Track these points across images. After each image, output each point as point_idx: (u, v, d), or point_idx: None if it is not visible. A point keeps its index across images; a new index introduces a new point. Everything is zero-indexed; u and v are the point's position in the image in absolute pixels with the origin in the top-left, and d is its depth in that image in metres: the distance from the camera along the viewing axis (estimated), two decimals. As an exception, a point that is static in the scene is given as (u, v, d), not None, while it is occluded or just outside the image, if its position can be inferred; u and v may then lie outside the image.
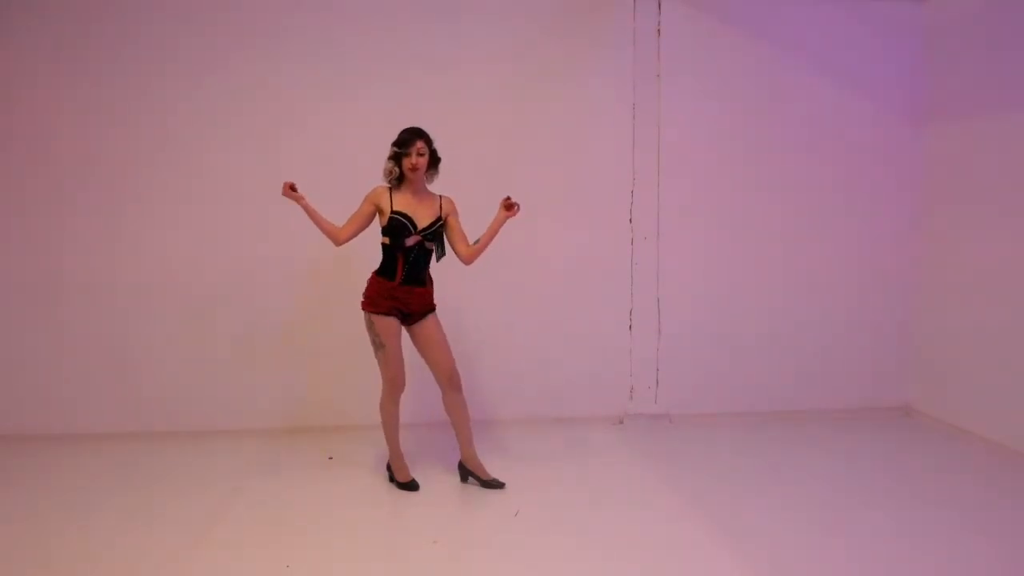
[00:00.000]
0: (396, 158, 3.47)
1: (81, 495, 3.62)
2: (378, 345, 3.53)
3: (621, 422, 4.79)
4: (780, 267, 4.87)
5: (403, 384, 3.61)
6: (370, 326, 3.53)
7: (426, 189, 3.57)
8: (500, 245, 4.57)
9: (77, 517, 3.37)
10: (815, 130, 4.82)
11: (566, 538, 3.15)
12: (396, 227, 3.44)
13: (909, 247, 4.94)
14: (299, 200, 3.46)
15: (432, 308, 3.63)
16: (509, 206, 3.51)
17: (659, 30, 4.67)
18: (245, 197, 4.52)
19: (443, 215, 3.54)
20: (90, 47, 4.39)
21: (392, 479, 3.73)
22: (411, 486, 3.66)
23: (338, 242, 3.55)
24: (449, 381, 3.61)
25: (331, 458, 4.13)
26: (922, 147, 4.87)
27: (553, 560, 2.97)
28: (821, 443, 4.38)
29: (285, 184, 3.46)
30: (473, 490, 3.68)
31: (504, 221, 3.54)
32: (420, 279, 3.54)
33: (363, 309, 3.56)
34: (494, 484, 3.68)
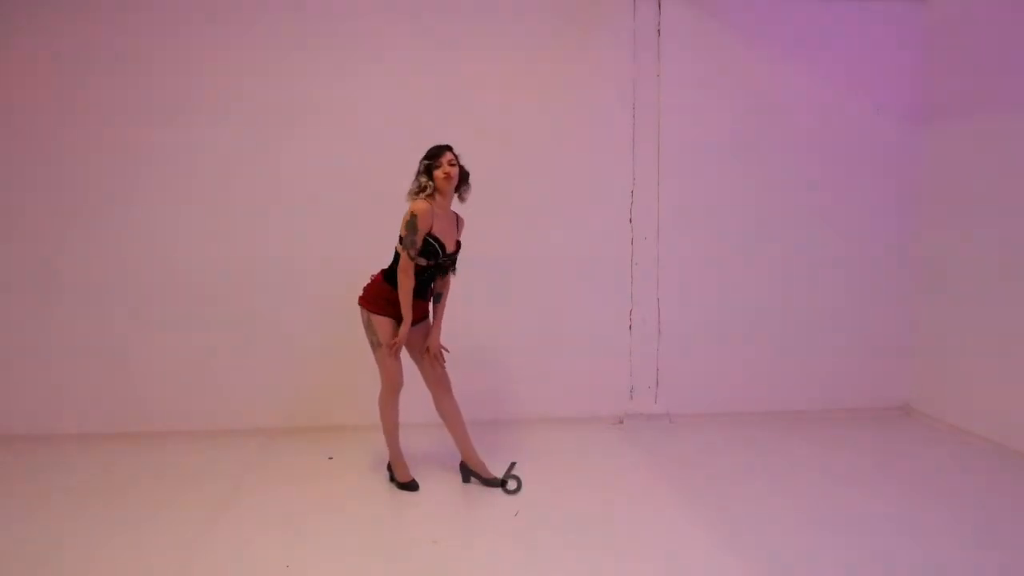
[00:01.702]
0: (428, 171, 3.43)
1: (81, 495, 3.62)
2: (376, 344, 3.54)
3: (621, 422, 4.79)
4: (780, 267, 4.87)
5: (402, 383, 3.61)
6: (367, 324, 3.55)
7: (450, 207, 3.56)
8: (500, 245, 4.60)
9: (76, 517, 3.37)
10: (815, 130, 4.82)
11: (566, 538, 3.15)
12: (430, 251, 3.41)
13: (909, 247, 4.94)
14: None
15: (427, 316, 3.68)
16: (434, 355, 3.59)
17: (659, 30, 4.67)
18: (245, 197, 4.52)
19: (459, 238, 3.59)
20: (89, 47, 4.39)
21: (392, 479, 3.73)
22: (411, 486, 3.66)
23: None
24: (439, 384, 3.63)
25: (331, 458, 4.13)
26: (922, 147, 4.87)
27: (553, 560, 2.97)
28: (821, 443, 4.38)
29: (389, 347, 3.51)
30: (473, 490, 3.68)
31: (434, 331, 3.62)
32: (424, 294, 3.57)
33: (360, 305, 3.56)
34: (495, 482, 3.69)
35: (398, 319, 3.52)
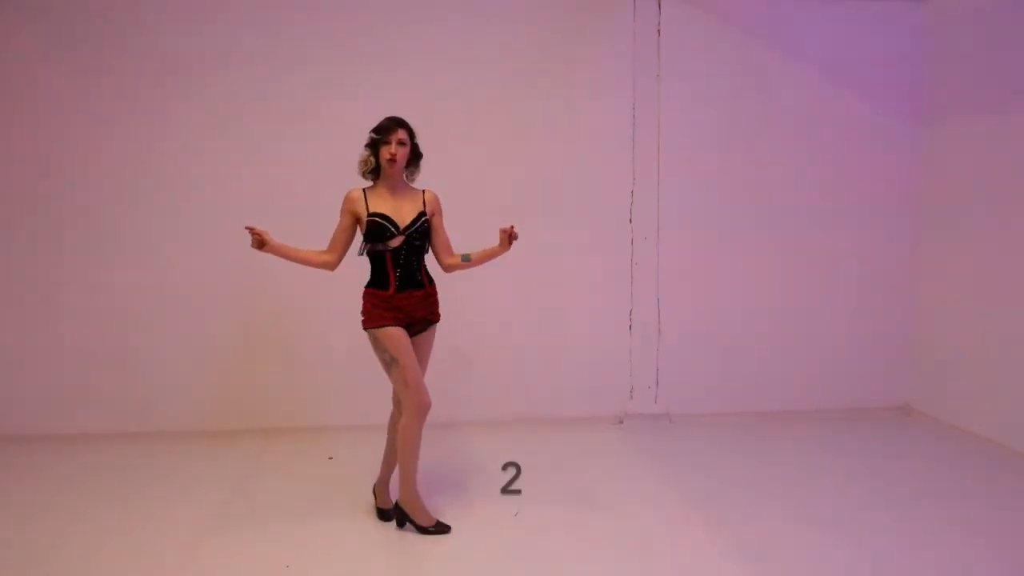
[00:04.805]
0: (373, 145, 3.13)
1: (81, 495, 3.62)
2: (390, 361, 3.10)
3: (621, 422, 4.79)
4: (780, 267, 4.87)
5: (430, 402, 3.13)
6: (375, 343, 3.13)
7: (406, 185, 3.24)
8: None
9: (77, 517, 3.37)
10: (815, 130, 4.82)
11: (566, 538, 3.15)
12: (376, 230, 3.09)
13: (909, 247, 4.94)
14: (271, 248, 3.09)
15: (436, 318, 3.29)
16: (511, 238, 3.17)
17: (659, 30, 4.67)
18: (244, 197, 4.52)
19: (427, 211, 3.20)
20: (89, 49, 4.39)
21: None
22: (441, 528, 3.22)
23: (332, 267, 3.21)
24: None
25: (331, 458, 4.13)
26: (922, 147, 4.87)
27: (553, 560, 2.97)
28: (821, 443, 4.38)
29: (253, 237, 3.06)
30: (473, 491, 3.67)
31: (501, 254, 3.24)
32: (417, 281, 3.18)
33: (364, 328, 3.17)
34: (388, 516, 3.34)
35: (402, 324, 3.15)
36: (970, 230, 4.49)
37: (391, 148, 3.09)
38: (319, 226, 4.50)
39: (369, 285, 3.19)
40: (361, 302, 3.20)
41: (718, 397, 4.89)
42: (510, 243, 3.21)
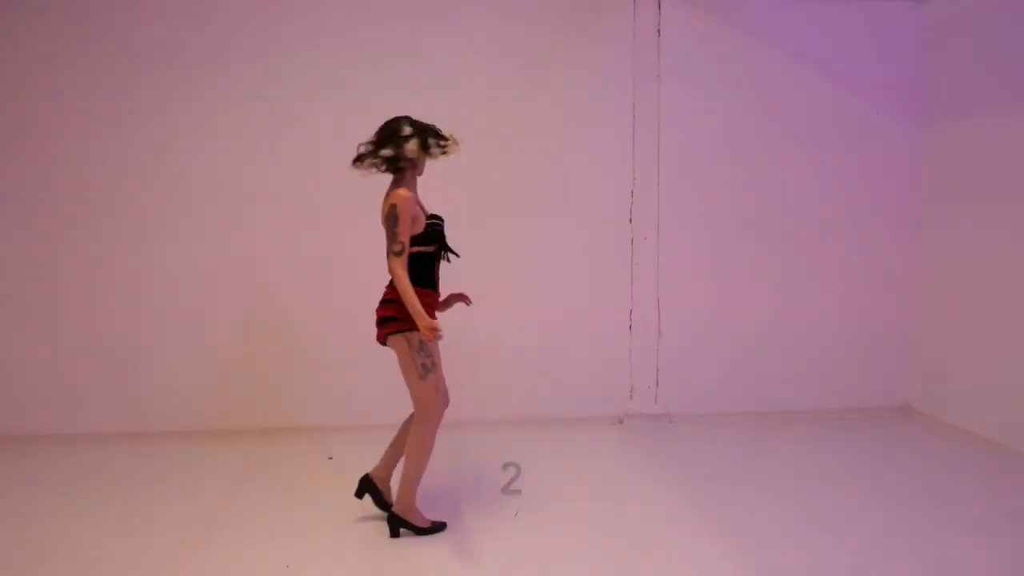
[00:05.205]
0: (425, 145, 3.02)
1: (81, 495, 3.62)
2: (428, 368, 3.02)
3: (621, 422, 4.79)
4: (780, 267, 4.87)
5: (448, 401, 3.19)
6: (420, 347, 3.01)
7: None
8: (500, 245, 4.60)
9: (76, 517, 3.37)
10: (815, 130, 4.82)
11: (566, 538, 3.15)
12: (439, 232, 3.04)
13: (909, 247, 4.93)
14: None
15: None
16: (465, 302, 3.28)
17: (659, 30, 4.67)
18: (245, 197, 4.52)
19: None
20: (90, 48, 4.39)
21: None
22: (437, 527, 3.24)
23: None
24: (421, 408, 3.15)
25: (331, 458, 4.13)
26: (922, 147, 4.87)
27: (553, 560, 2.97)
28: (821, 443, 4.38)
29: (432, 332, 2.90)
30: (472, 491, 3.67)
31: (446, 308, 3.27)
32: (436, 282, 3.18)
33: (396, 332, 3.01)
34: (387, 507, 3.28)
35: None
36: (970, 230, 4.49)
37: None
38: (318, 225, 4.54)
39: (419, 285, 3.01)
40: (394, 307, 3.03)
41: (718, 397, 4.89)
42: (451, 306, 3.29)
